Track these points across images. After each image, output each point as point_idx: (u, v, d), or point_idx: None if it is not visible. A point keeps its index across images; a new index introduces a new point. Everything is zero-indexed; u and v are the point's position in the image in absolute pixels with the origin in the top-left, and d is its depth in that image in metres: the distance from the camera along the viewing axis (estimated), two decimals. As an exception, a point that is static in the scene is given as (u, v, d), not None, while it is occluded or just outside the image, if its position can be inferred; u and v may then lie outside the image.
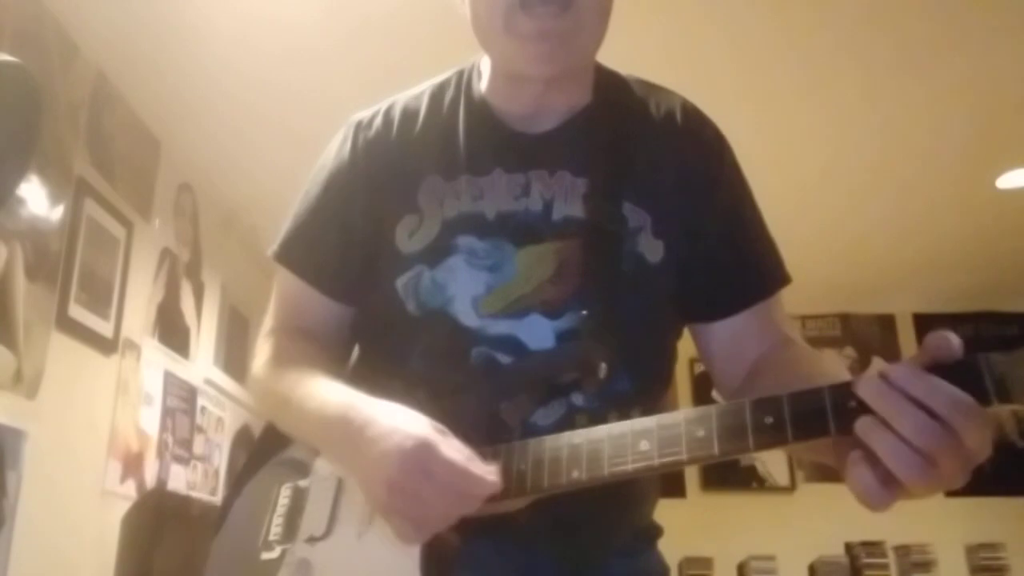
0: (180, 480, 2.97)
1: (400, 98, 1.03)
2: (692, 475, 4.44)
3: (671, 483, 4.22)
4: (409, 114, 1.00)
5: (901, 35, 2.45)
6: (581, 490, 0.75)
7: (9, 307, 2.01)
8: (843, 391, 0.63)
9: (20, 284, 2.06)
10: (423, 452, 0.73)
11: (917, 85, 2.72)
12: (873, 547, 4.19)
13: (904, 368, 0.61)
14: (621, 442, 0.71)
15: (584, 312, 0.86)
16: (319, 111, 2.90)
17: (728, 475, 4.47)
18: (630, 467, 0.70)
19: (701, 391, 4.62)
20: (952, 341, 0.61)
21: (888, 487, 0.61)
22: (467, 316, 0.88)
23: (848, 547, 4.22)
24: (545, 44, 0.86)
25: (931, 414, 0.58)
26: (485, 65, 0.99)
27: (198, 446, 3.16)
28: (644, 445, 0.70)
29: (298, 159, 3.29)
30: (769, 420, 0.65)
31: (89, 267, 2.38)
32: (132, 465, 2.60)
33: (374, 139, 1.00)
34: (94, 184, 2.44)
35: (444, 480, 0.72)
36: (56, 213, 2.23)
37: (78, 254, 2.32)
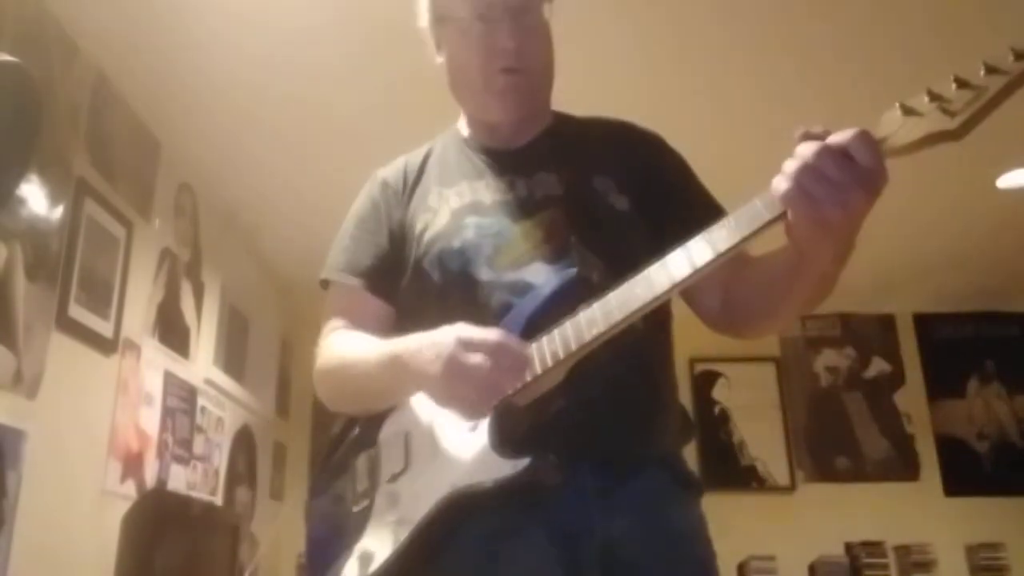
0: (180, 480, 2.98)
1: (405, 156, 1.30)
2: (692, 475, 4.44)
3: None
4: (412, 161, 1.28)
5: (900, 34, 2.45)
6: (607, 388, 0.99)
7: (9, 307, 2.01)
8: (767, 195, 0.85)
9: (20, 284, 2.06)
10: (461, 344, 0.93)
11: (917, 86, 2.72)
12: (873, 547, 4.19)
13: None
14: (624, 293, 0.92)
15: (573, 238, 1.07)
16: (318, 112, 2.91)
17: (728, 475, 4.47)
18: (636, 306, 0.90)
19: (701, 390, 4.63)
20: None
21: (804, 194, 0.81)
22: (483, 272, 1.09)
23: (848, 547, 4.21)
24: (513, 97, 1.17)
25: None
26: (461, 124, 1.30)
27: (198, 446, 3.16)
28: (639, 289, 0.91)
29: (297, 159, 3.31)
30: (724, 232, 0.87)
31: (89, 267, 2.38)
32: (132, 465, 2.60)
33: (391, 179, 1.26)
34: (94, 184, 2.44)
35: (485, 356, 0.91)
36: (56, 213, 2.23)
37: (78, 254, 2.32)
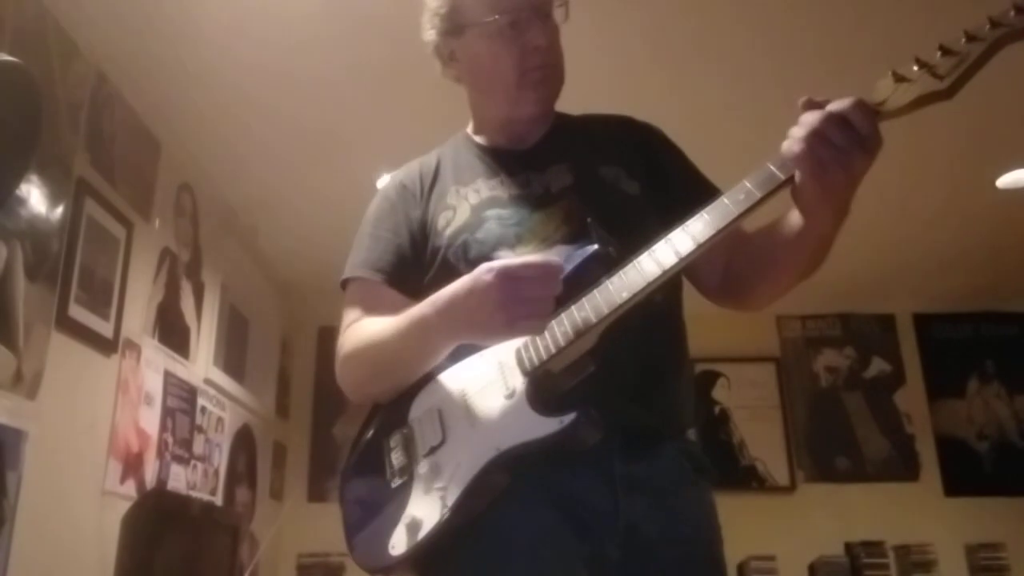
0: (180, 480, 2.98)
1: (417, 160, 1.34)
2: (692, 475, 4.44)
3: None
4: (427, 164, 1.32)
5: (898, 33, 2.45)
6: (635, 354, 1.06)
7: (9, 307, 2.01)
8: (776, 159, 0.95)
9: (20, 284, 2.06)
10: (501, 271, 0.97)
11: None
12: (873, 547, 4.19)
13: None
14: (650, 258, 0.99)
15: (590, 219, 1.10)
16: (319, 113, 2.90)
17: (728, 475, 4.47)
18: (658, 272, 0.97)
19: (701, 391, 4.63)
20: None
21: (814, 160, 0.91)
22: (508, 257, 1.10)
23: (848, 547, 4.21)
24: (545, 89, 1.25)
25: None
26: (470, 130, 1.35)
27: (198, 446, 3.16)
28: (664, 253, 0.98)
29: (297, 159, 3.30)
30: (741, 196, 0.96)
31: (89, 267, 2.38)
32: (132, 465, 2.60)
33: (407, 181, 1.30)
34: (94, 184, 2.44)
35: (528, 274, 0.97)
36: (56, 213, 2.23)
37: (78, 254, 2.32)
